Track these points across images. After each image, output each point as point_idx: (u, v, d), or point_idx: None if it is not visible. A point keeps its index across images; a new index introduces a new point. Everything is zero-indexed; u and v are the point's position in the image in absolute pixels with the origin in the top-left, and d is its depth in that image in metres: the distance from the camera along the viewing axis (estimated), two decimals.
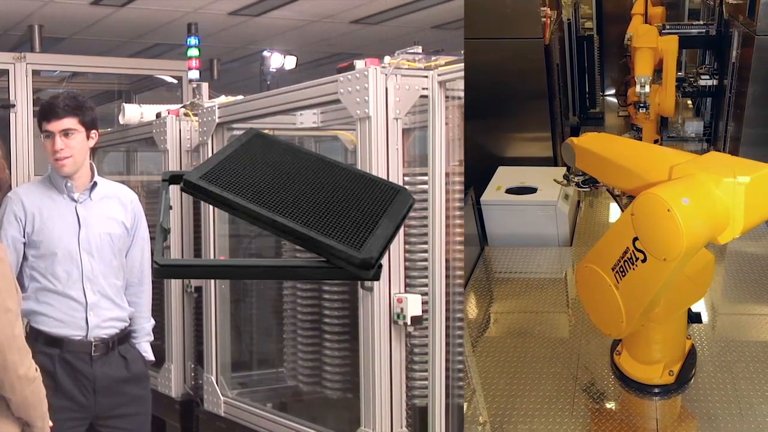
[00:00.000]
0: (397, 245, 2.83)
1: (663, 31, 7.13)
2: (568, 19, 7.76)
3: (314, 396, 3.39)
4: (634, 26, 7.28)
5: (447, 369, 2.82)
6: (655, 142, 6.90)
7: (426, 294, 2.81)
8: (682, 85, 7.46)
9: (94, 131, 2.88)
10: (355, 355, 3.04)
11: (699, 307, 4.03)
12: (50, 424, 2.36)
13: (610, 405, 3.41)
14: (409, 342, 2.89)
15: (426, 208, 2.82)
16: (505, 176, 5.47)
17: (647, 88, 6.11)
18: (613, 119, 8.68)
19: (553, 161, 6.69)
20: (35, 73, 5.85)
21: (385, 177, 2.79)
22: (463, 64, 2.76)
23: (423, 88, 2.82)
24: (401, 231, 2.82)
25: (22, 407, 2.20)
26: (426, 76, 2.80)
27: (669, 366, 3.40)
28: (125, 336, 2.95)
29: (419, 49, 2.93)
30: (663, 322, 3.23)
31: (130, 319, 3.00)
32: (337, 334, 3.23)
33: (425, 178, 2.88)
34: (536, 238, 5.07)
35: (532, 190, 5.22)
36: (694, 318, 3.98)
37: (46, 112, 2.82)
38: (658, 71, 6.56)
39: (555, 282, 4.72)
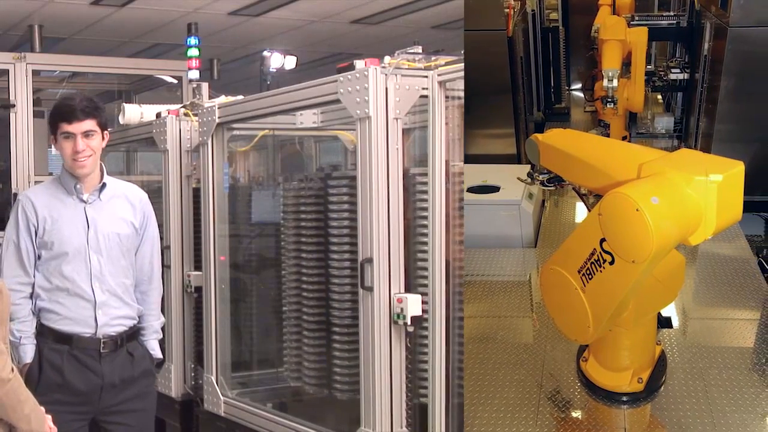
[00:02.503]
0: (397, 245, 2.83)
1: (632, 23, 6.97)
2: (533, 10, 7.61)
3: (314, 396, 3.39)
4: (601, 17, 7.05)
5: (447, 369, 2.81)
6: (624, 138, 6.75)
7: (426, 294, 2.81)
8: (651, 79, 7.32)
9: (106, 132, 2.95)
10: (355, 354, 3.05)
11: (669, 311, 3.98)
12: (51, 427, 2.35)
13: (576, 414, 3.33)
14: (409, 342, 2.88)
15: (426, 208, 2.82)
16: (466, 174, 5.37)
17: (615, 83, 5.93)
18: (580, 115, 8.49)
19: (516, 158, 6.62)
20: (35, 73, 5.85)
21: (385, 177, 2.79)
22: (462, 64, 2.75)
23: (423, 88, 2.82)
24: (401, 231, 2.83)
25: (2, 408, 2.19)
26: (426, 76, 2.80)
27: (638, 373, 3.31)
28: (133, 333, 3.00)
29: (419, 49, 2.92)
30: (632, 327, 3.14)
31: (139, 316, 3.05)
32: (336, 333, 3.23)
33: (425, 178, 2.88)
34: (499, 239, 4.95)
35: (494, 189, 5.12)
36: (665, 323, 3.89)
37: (66, 113, 2.85)
38: (626, 64, 6.40)
39: (519, 285, 4.61)
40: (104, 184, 2.96)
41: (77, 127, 2.84)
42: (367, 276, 2.79)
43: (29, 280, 2.88)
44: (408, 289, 2.85)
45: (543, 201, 5.69)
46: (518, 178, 4.46)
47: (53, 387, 2.81)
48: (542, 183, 3.76)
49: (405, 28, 9.23)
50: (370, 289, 2.79)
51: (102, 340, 2.88)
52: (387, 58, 2.84)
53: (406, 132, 2.88)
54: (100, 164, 2.98)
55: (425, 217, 2.83)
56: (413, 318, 2.77)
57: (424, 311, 2.80)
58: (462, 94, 2.81)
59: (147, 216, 3.07)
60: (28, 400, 2.26)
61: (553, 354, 3.70)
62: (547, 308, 3.22)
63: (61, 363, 2.84)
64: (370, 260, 2.79)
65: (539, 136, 3.53)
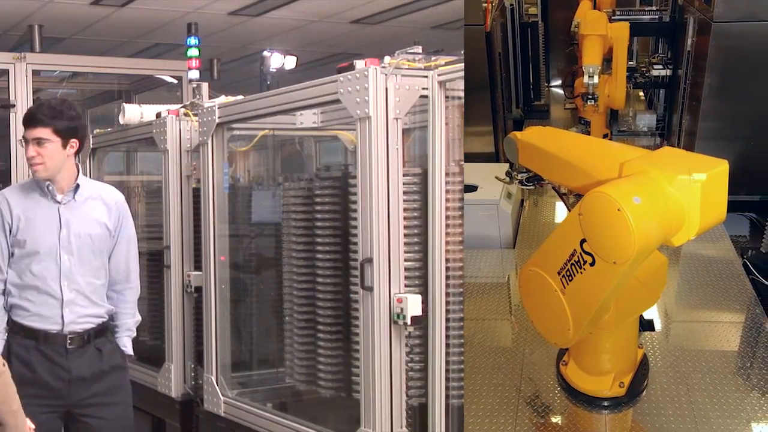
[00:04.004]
0: (397, 245, 2.83)
1: (613, 18, 6.89)
2: (511, 5, 7.45)
3: (314, 396, 3.39)
4: (581, 12, 6.93)
5: (447, 369, 2.81)
6: (605, 136, 6.64)
7: (426, 294, 2.81)
8: (633, 75, 7.21)
9: (74, 140, 2.98)
10: (355, 355, 3.04)
11: (651, 313, 3.93)
12: (31, 426, 2.36)
13: (556, 419, 3.28)
14: (409, 342, 2.88)
15: (425, 209, 2.82)
16: None
17: (596, 79, 5.83)
18: (560, 112, 8.34)
19: (495, 157, 6.52)
20: (35, 73, 5.85)
21: (384, 177, 2.79)
22: (462, 64, 2.75)
23: (423, 88, 2.82)
24: (401, 231, 2.83)
25: None
26: (426, 76, 2.80)
27: (619, 377, 3.26)
28: (102, 330, 3.06)
29: (419, 49, 2.92)
30: (613, 330, 3.09)
31: (113, 314, 3.13)
32: (336, 333, 3.23)
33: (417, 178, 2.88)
34: (477, 240, 4.86)
35: (472, 189, 5.01)
36: (647, 325, 3.83)
37: (24, 119, 2.95)
38: (607, 60, 6.31)
39: (497, 287, 4.55)
40: (77, 186, 3.02)
41: (29, 134, 2.93)
42: (367, 276, 2.79)
43: (2, 276, 2.96)
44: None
45: (522, 200, 5.60)
46: (496, 177, 4.37)
47: (24, 381, 2.83)
48: (521, 182, 3.69)
49: (405, 28, 9.22)
50: (370, 289, 2.79)
51: (68, 337, 2.95)
52: (387, 58, 2.84)
53: (406, 132, 2.87)
54: (76, 165, 3.05)
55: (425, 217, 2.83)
56: (413, 318, 2.77)
57: (423, 311, 2.80)
58: (462, 94, 2.81)
59: (122, 217, 3.14)
60: (16, 395, 2.27)
61: (532, 358, 3.65)
62: (526, 311, 3.17)
63: (29, 358, 2.91)
64: (370, 260, 2.79)
65: (518, 133, 3.46)
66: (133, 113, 4.27)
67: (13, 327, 2.96)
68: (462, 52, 2.98)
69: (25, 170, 5.67)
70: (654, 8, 7.71)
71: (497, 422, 3.22)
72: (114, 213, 3.10)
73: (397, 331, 2.82)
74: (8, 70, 5.71)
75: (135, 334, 3.21)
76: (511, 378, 3.52)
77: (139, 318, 3.26)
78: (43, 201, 2.99)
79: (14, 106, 5.67)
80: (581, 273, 2.68)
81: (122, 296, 3.16)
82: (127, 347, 3.16)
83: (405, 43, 2.97)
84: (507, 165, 3.75)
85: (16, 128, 5.68)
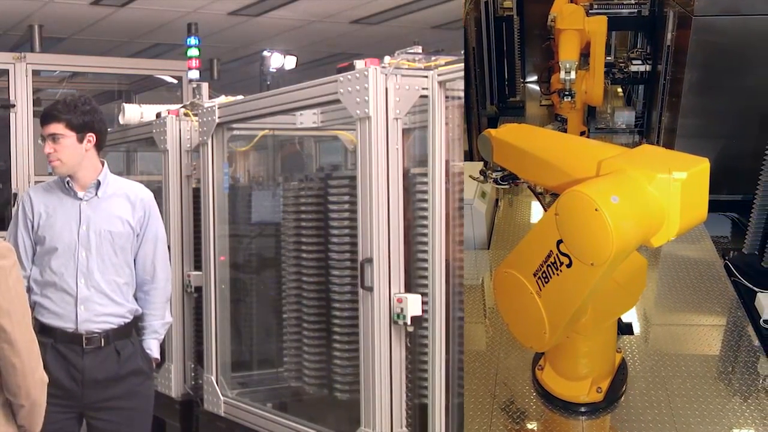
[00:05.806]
0: (397, 245, 2.83)
1: (590, 11, 6.79)
2: None
3: (314, 396, 3.39)
4: (558, 6, 6.73)
5: (447, 369, 2.81)
6: (582, 133, 6.56)
7: (426, 294, 2.81)
8: (611, 71, 7.09)
9: (90, 134, 2.96)
10: (355, 355, 3.05)
11: (630, 316, 3.85)
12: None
13: (532, 425, 3.23)
14: (409, 342, 2.88)
15: (426, 208, 2.82)
16: None
17: (573, 75, 5.67)
18: (536, 109, 8.18)
19: (468, 155, 6.44)
20: (35, 73, 5.86)
21: (385, 177, 2.79)
22: (463, 64, 2.76)
23: (423, 88, 2.82)
24: (401, 230, 2.83)
25: (31, 414, 2.18)
26: (426, 76, 2.80)
27: (597, 382, 3.22)
28: (124, 331, 3.00)
29: (419, 49, 2.93)
30: (590, 334, 3.04)
31: (140, 315, 3.07)
32: (336, 333, 3.23)
33: (425, 178, 2.87)
34: None
35: None
36: (625, 329, 3.75)
37: (41, 116, 2.95)
38: (585, 56, 6.21)
39: (471, 289, 4.49)
40: (98, 182, 2.99)
41: (45, 130, 2.93)
42: (367, 276, 2.79)
43: (25, 273, 2.94)
44: (408, 289, 2.85)
45: (496, 200, 5.52)
46: (470, 176, 4.24)
47: None
48: (495, 181, 3.60)
49: (405, 28, 9.22)
50: (370, 289, 2.79)
51: (84, 336, 2.91)
52: (387, 58, 2.84)
53: (406, 132, 2.88)
54: (102, 161, 3.02)
55: (425, 217, 2.83)
56: (413, 318, 2.76)
57: (424, 311, 2.80)
58: (462, 94, 2.81)
59: (148, 216, 3.06)
60: (24, 302, 2.22)
61: (507, 362, 3.59)
62: (501, 314, 3.10)
63: (46, 356, 2.82)
64: (370, 260, 2.79)
65: (492, 131, 3.41)
66: (133, 113, 4.27)
67: (35, 325, 2.89)
68: (462, 51, 2.98)
69: (26, 170, 5.69)
70: (633, 2, 7.56)
71: (471, 428, 3.17)
72: (138, 210, 3.03)
73: (397, 331, 2.82)
74: (8, 70, 5.72)
75: (162, 337, 3.14)
76: (485, 383, 3.47)
77: (170, 320, 3.18)
78: (65, 198, 2.98)
79: (14, 106, 5.68)
80: (558, 275, 2.62)
81: (148, 297, 3.09)
82: (153, 350, 3.08)
83: (405, 43, 2.97)
84: (481, 163, 3.68)
85: (16, 128, 5.68)
